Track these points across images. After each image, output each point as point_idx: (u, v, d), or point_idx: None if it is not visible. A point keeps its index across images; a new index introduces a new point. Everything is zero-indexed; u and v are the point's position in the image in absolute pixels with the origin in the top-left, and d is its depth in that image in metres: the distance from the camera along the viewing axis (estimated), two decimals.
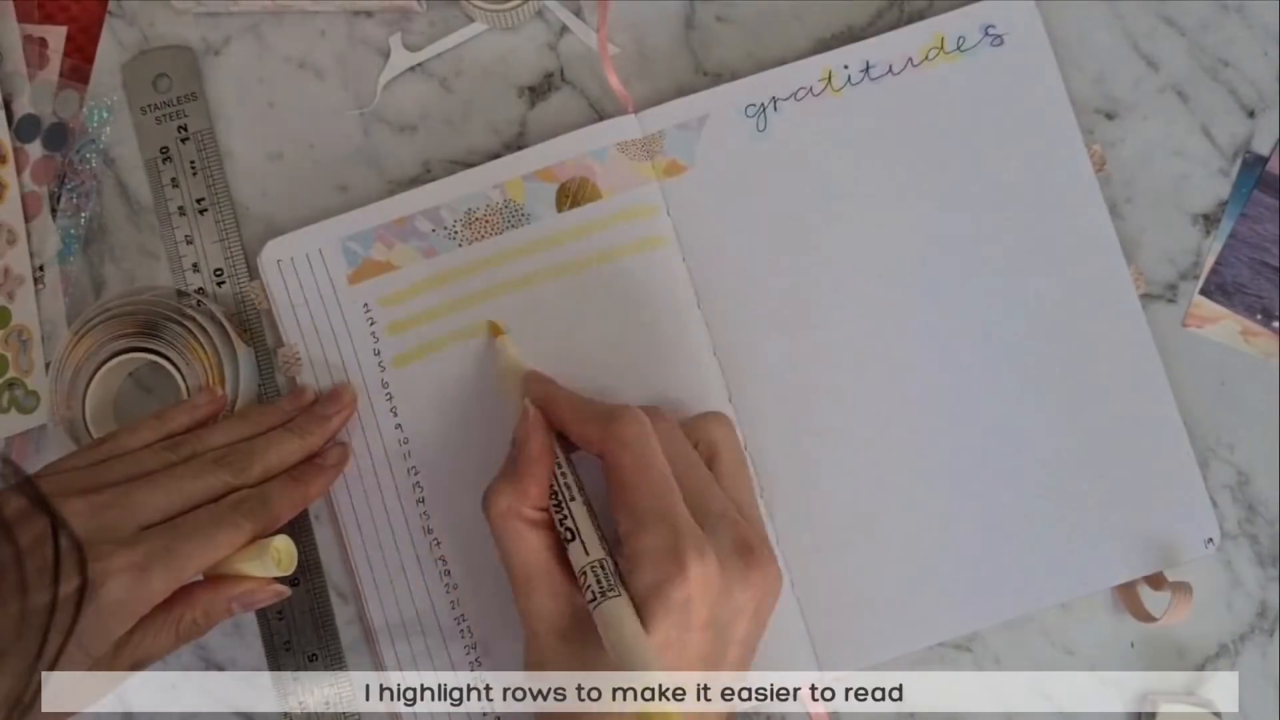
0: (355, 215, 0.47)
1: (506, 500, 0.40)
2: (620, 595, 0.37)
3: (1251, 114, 0.49)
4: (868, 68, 0.48)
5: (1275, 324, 0.48)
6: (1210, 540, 0.46)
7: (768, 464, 0.46)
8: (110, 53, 0.50)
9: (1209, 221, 0.49)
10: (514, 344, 0.45)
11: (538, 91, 0.50)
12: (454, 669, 0.46)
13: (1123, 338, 0.47)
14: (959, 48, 0.48)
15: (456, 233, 0.47)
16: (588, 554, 0.38)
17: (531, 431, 0.41)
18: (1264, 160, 0.49)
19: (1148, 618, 0.46)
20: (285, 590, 0.43)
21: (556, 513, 0.40)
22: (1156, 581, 0.46)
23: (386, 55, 0.50)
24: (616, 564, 0.38)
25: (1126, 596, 0.47)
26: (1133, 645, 0.47)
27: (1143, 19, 0.50)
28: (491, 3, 0.48)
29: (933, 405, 0.47)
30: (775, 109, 0.47)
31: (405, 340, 0.47)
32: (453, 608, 0.46)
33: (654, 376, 0.46)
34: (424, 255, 0.47)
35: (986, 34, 0.48)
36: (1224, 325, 0.49)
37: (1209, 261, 0.49)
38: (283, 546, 0.41)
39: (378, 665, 0.47)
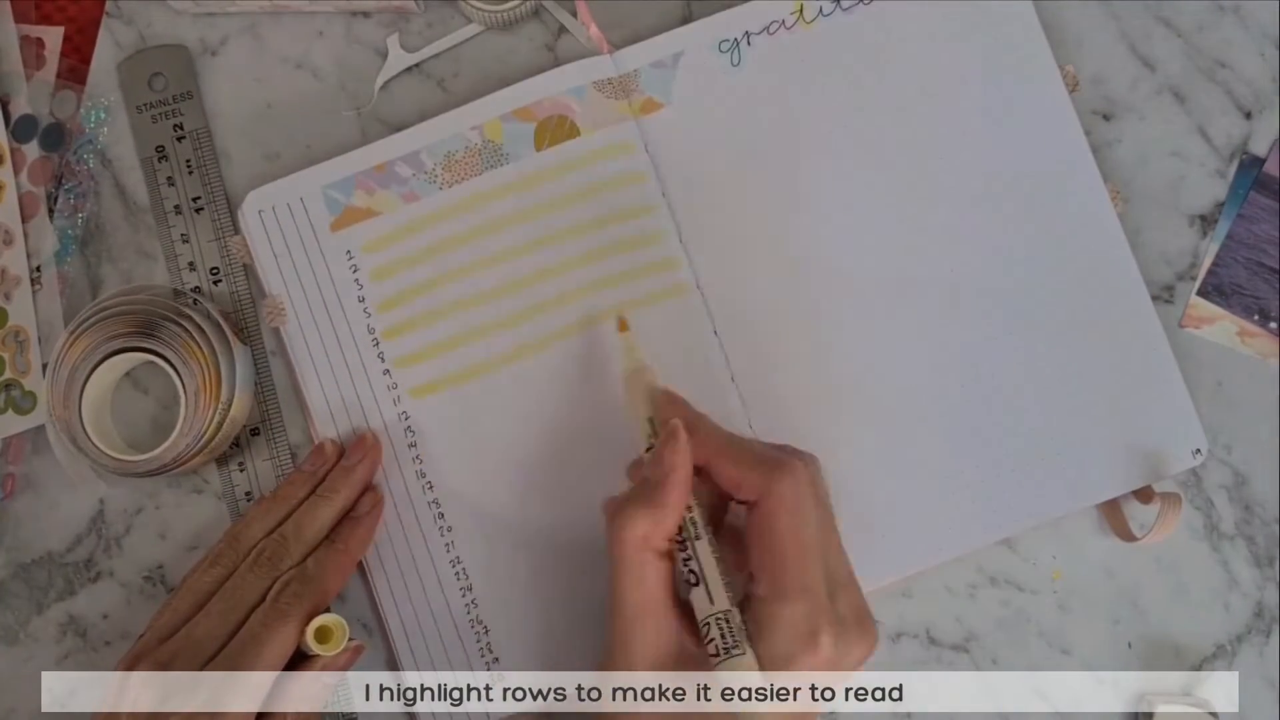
0: (336, 163, 0.47)
1: (643, 529, 0.38)
2: (746, 654, 0.37)
3: (1248, 115, 0.49)
4: None
5: (1272, 324, 0.48)
6: (1198, 451, 0.46)
7: (754, 391, 0.46)
8: (107, 53, 0.50)
9: (1206, 222, 0.49)
10: (639, 345, 0.44)
11: None
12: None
13: (1102, 251, 0.47)
14: None
15: (437, 176, 0.47)
16: (713, 604, 0.37)
17: (680, 460, 0.39)
18: (1261, 161, 0.49)
19: (1131, 537, 0.46)
20: (361, 645, 0.44)
21: (680, 550, 0.39)
22: (1145, 495, 0.46)
23: (384, 56, 0.50)
24: (743, 616, 0.38)
25: (1111, 515, 0.47)
26: (1130, 645, 0.48)
27: (1139, 20, 0.50)
28: (489, 3, 0.48)
29: (916, 328, 0.47)
30: (749, 43, 0.48)
31: (389, 286, 0.47)
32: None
33: (639, 315, 0.46)
34: (405, 200, 0.47)
35: None
36: (1221, 326, 0.49)
37: (1206, 262, 0.49)
38: (328, 626, 0.42)
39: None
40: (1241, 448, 0.48)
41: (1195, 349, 0.49)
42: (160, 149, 0.49)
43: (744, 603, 0.38)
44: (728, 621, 0.37)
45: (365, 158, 0.47)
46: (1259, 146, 0.49)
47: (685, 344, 0.46)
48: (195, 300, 0.48)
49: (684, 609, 0.38)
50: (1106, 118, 0.49)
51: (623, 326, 0.44)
